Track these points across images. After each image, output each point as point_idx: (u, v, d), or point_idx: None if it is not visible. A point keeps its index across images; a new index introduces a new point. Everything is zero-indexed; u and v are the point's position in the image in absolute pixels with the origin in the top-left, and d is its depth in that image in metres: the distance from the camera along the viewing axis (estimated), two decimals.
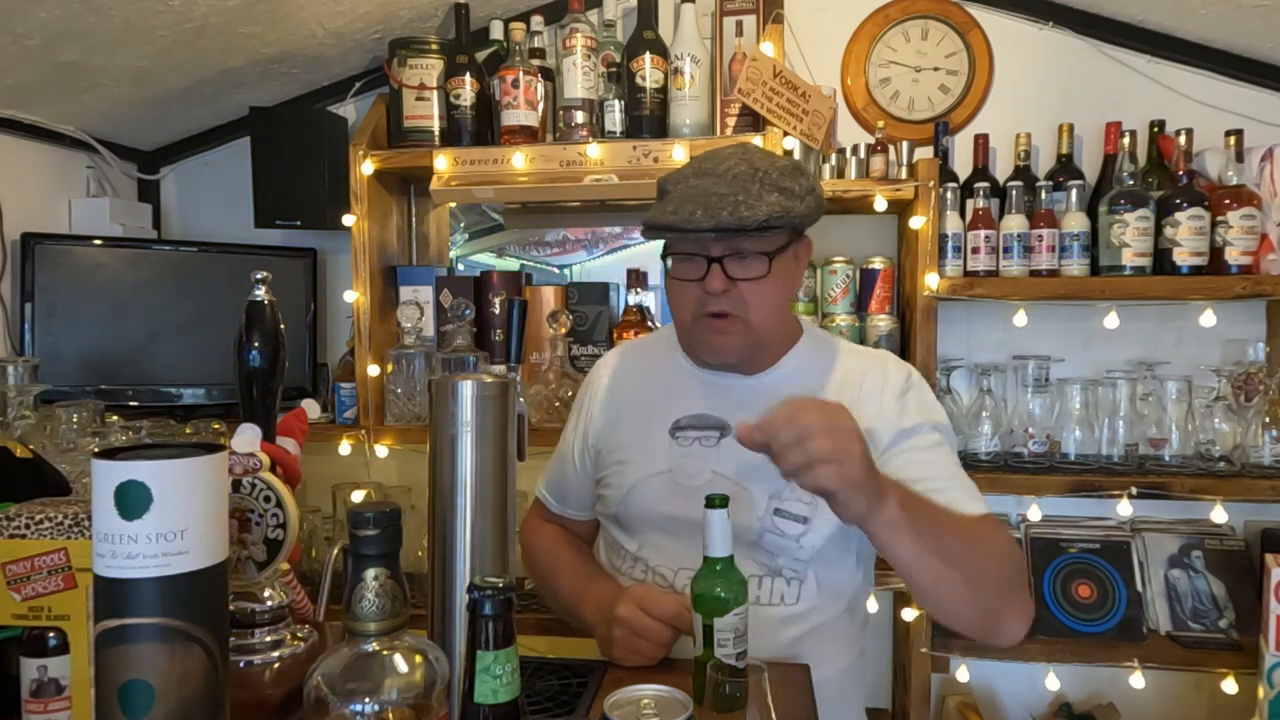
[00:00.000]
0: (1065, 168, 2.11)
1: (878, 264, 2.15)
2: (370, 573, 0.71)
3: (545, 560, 1.42)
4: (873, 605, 2.16)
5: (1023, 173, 2.10)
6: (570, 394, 2.07)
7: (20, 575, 0.85)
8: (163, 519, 0.70)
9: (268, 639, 1.05)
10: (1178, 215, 1.91)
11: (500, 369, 1.11)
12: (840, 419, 0.97)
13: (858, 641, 1.33)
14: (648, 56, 2.07)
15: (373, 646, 0.71)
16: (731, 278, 1.19)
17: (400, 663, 0.71)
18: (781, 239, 1.22)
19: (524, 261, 2.76)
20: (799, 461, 0.95)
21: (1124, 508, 1.96)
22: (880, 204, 2.05)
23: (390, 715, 0.70)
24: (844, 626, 1.29)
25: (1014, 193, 2.01)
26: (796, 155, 2.08)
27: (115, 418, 1.84)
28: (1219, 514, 1.96)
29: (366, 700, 0.69)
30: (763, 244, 1.19)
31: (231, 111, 2.46)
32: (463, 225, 2.68)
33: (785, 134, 2.01)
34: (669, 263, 1.25)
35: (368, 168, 2.15)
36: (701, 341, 1.26)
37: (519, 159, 2.06)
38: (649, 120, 2.09)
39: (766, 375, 1.31)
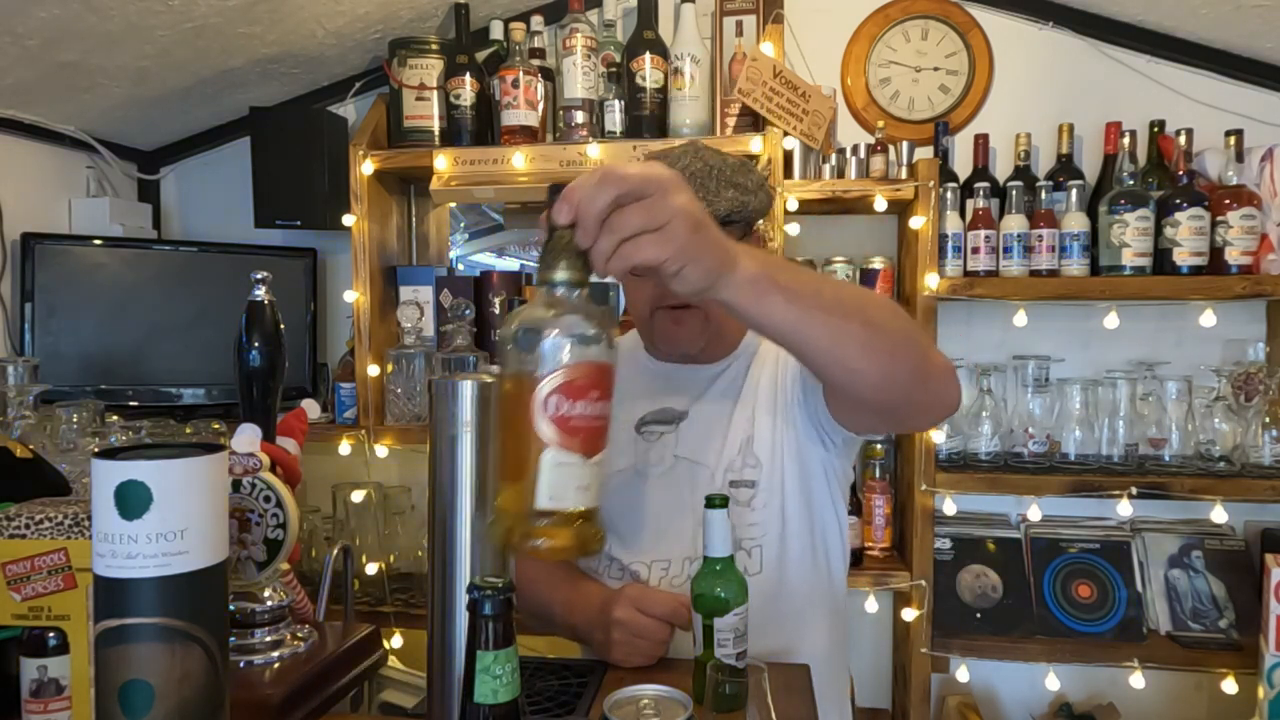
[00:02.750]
0: (1065, 168, 2.11)
1: (878, 264, 2.15)
2: (558, 233, 0.76)
3: (526, 571, 1.41)
4: (872, 605, 2.17)
5: (1023, 173, 2.10)
6: None
7: (20, 575, 0.85)
8: (163, 519, 0.70)
9: (268, 639, 1.05)
10: (1178, 215, 1.91)
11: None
12: (648, 172, 0.77)
13: (832, 618, 1.31)
14: (648, 56, 2.07)
15: (559, 292, 0.75)
16: None
17: (582, 309, 0.75)
18: (736, 233, 1.23)
19: (524, 261, 2.76)
20: (607, 246, 0.75)
21: (1124, 508, 1.96)
22: (880, 204, 2.05)
23: (571, 348, 0.73)
24: (816, 597, 1.28)
25: (1014, 193, 2.01)
26: (797, 155, 2.09)
27: (115, 418, 1.84)
28: (1219, 514, 1.96)
29: (555, 333, 0.73)
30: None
31: (231, 111, 2.46)
32: (463, 225, 2.68)
33: (785, 134, 2.02)
34: None
35: (368, 168, 2.15)
36: (661, 334, 1.28)
37: (519, 159, 2.06)
38: (649, 120, 2.09)
39: (725, 362, 1.33)
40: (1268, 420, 1.98)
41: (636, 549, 1.30)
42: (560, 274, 0.75)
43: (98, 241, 2.26)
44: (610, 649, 1.16)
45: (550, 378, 0.71)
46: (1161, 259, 1.94)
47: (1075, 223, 1.97)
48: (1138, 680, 1.97)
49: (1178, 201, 1.91)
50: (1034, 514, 2.07)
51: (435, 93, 2.18)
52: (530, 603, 1.36)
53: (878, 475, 2.17)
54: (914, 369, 0.98)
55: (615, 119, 2.09)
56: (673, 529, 1.27)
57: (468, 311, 2.09)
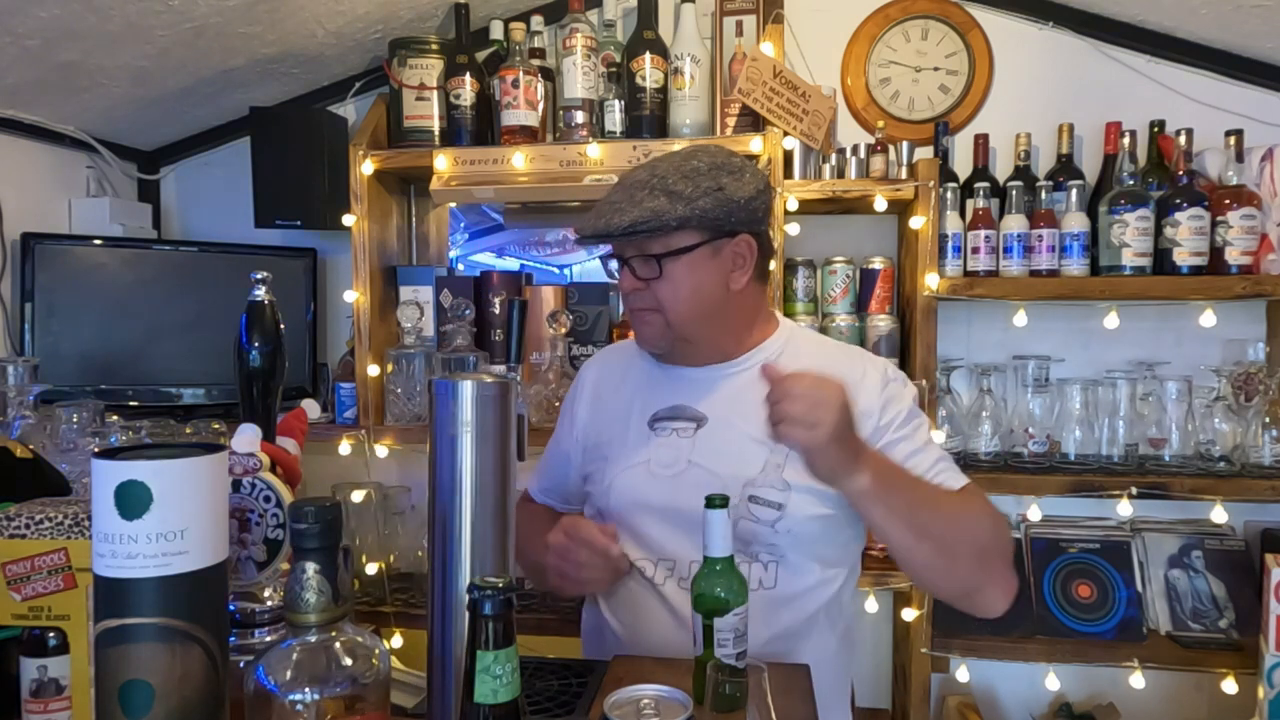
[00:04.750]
0: (1065, 168, 2.11)
1: (878, 264, 2.15)
2: (305, 565, 0.72)
3: (521, 531, 1.43)
4: (872, 605, 2.17)
5: (1023, 173, 2.10)
6: None
7: (20, 575, 0.85)
8: (163, 519, 0.70)
9: (268, 639, 1.05)
10: (1178, 215, 1.91)
11: (500, 369, 1.12)
12: (825, 389, 1.07)
13: (841, 629, 1.34)
14: (648, 56, 2.07)
15: (312, 638, 0.72)
16: (640, 278, 1.28)
17: (338, 654, 0.73)
18: (685, 239, 1.24)
19: (524, 261, 2.76)
20: (773, 416, 1.07)
21: (1124, 508, 1.96)
22: (880, 204, 2.05)
23: (329, 704, 0.71)
24: (827, 612, 1.30)
25: (1014, 193, 2.01)
26: (797, 155, 2.08)
27: (115, 418, 1.84)
28: (1219, 514, 1.96)
29: (306, 689, 0.70)
30: (657, 246, 1.25)
31: (231, 111, 2.46)
32: (463, 225, 2.68)
33: (785, 134, 2.01)
34: (613, 264, 1.36)
35: (368, 168, 2.15)
36: (635, 332, 1.36)
37: (519, 159, 2.06)
38: (649, 120, 2.09)
39: (735, 364, 1.35)
40: (1268, 420, 1.98)
41: (647, 545, 1.31)
42: (312, 615, 0.71)
43: (98, 241, 2.26)
44: (547, 575, 1.24)
45: None
46: (1161, 259, 1.94)
47: (1075, 223, 1.97)
48: (1138, 680, 1.97)
49: (1178, 201, 1.91)
50: (1034, 514, 2.07)
51: (435, 93, 2.18)
52: (528, 560, 1.37)
53: None
54: (963, 589, 1.22)
55: (615, 119, 2.09)
56: (681, 531, 1.27)
57: (468, 311, 2.09)
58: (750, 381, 1.26)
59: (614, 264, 1.33)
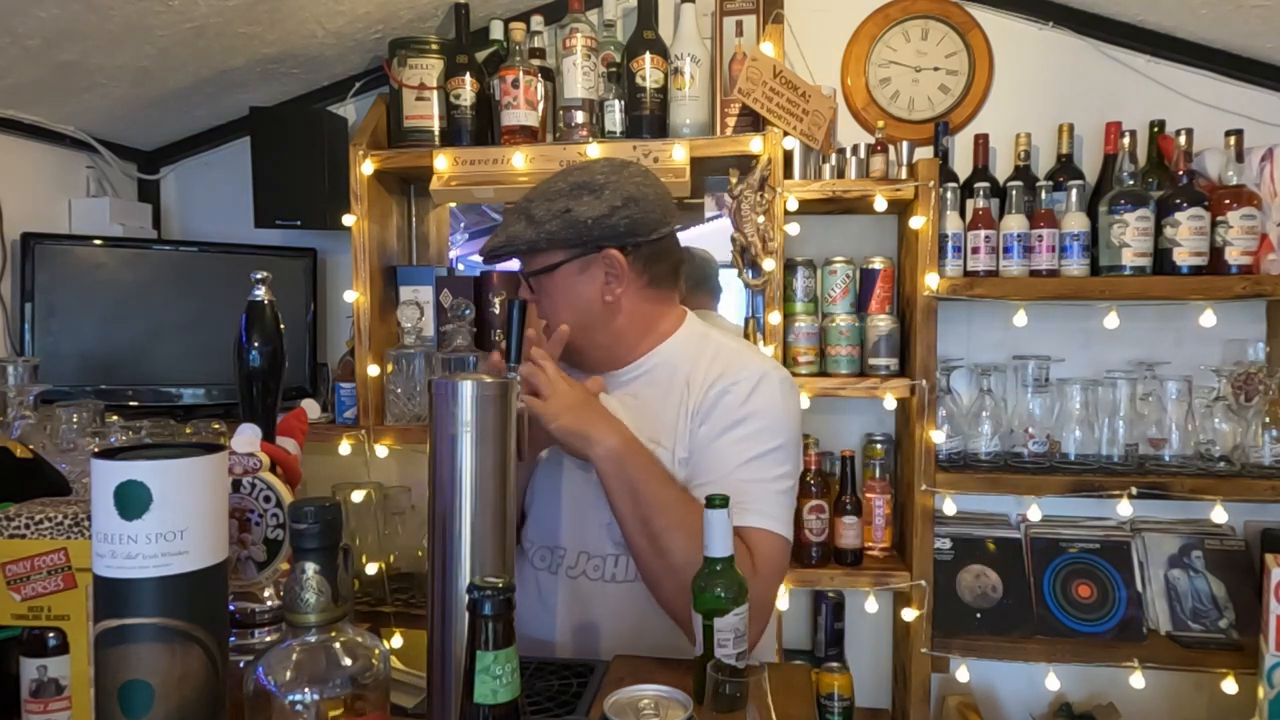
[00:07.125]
0: (1065, 168, 2.11)
1: (878, 264, 2.15)
2: (305, 565, 0.73)
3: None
4: (872, 605, 2.17)
5: (1023, 173, 2.10)
6: None
7: (20, 575, 0.85)
8: (163, 519, 0.70)
9: (268, 639, 1.05)
10: (1178, 215, 1.91)
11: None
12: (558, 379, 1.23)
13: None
14: (648, 56, 2.07)
15: (311, 638, 0.72)
16: (533, 292, 1.36)
17: (338, 654, 0.73)
18: (550, 258, 1.31)
19: None
20: (527, 371, 1.23)
21: (1124, 508, 1.96)
22: (880, 204, 2.05)
23: (328, 705, 0.71)
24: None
25: (1014, 193, 2.01)
26: (797, 155, 2.08)
27: (115, 418, 1.84)
28: (1219, 514, 1.96)
29: (306, 689, 0.70)
30: (530, 264, 1.35)
31: (231, 111, 2.46)
32: (463, 225, 2.68)
33: (785, 134, 2.01)
34: None
35: (368, 168, 2.15)
36: None
37: (519, 159, 2.06)
38: (649, 120, 2.09)
39: (627, 371, 1.38)
40: (1268, 420, 1.98)
41: (547, 531, 1.38)
42: (311, 615, 0.72)
43: (98, 241, 2.26)
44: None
45: None
46: (1161, 259, 1.94)
47: (1075, 223, 1.97)
48: (1138, 680, 1.97)
49: (1178, 201, 1.91)
50: (1034, 514, 2.07)
51: (435, 93, 2.18)
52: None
53: (878, 475, 2.17)
54: (671, 606, 1.21)
55: (615, 119, 2.09)
56: (576, 523, 1.33)
57: (468, 311, 2.09)
58: (638, 389, 1.36)
59: None
